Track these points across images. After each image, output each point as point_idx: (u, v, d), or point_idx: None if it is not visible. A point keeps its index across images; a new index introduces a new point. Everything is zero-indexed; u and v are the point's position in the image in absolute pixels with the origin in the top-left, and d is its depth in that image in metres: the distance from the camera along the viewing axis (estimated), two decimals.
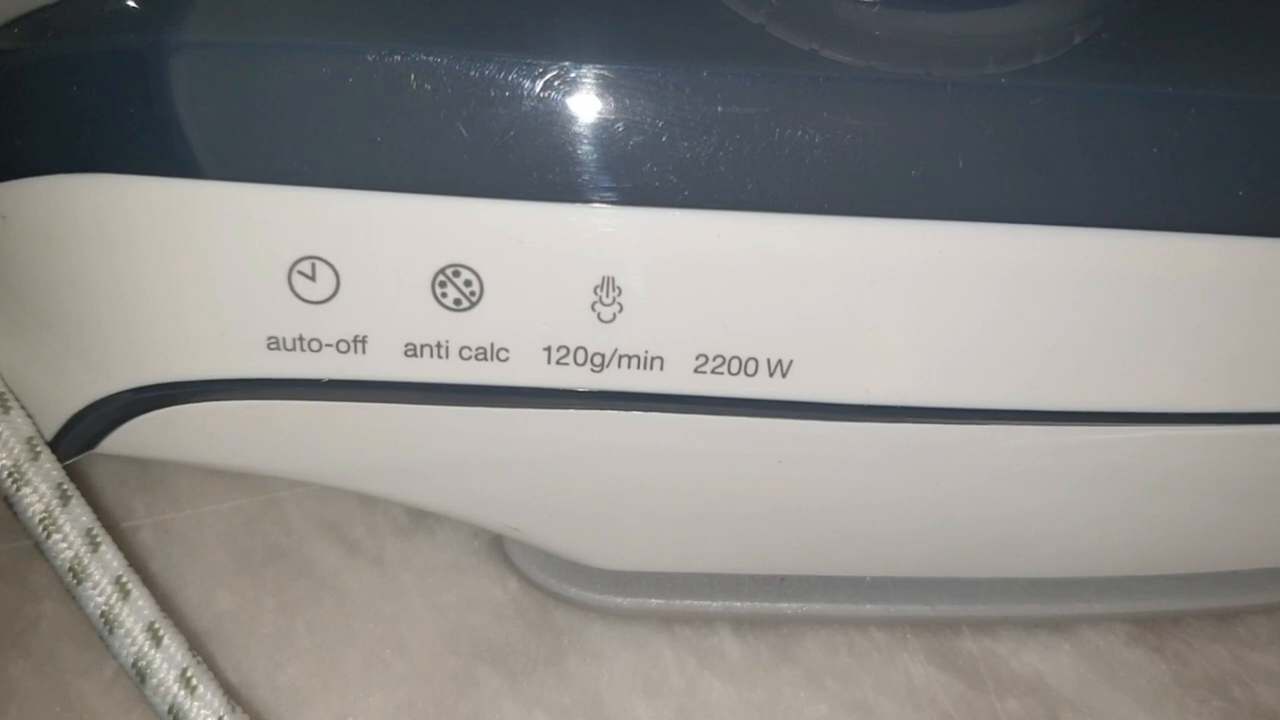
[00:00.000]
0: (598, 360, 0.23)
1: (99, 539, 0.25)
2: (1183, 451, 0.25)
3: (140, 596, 0.24)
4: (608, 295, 0.23)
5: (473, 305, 0.23)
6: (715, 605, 0.28)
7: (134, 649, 0.24)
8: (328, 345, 0.23)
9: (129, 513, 0.31)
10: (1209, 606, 0.28)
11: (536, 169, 0.22)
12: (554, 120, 0.21)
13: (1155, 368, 0.23)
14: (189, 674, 0.24)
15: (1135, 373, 0.24)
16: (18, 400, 0.25)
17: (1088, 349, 0.23)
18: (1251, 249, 0.23)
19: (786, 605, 0.28)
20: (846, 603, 0.28)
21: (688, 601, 0.28)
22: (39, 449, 0.25)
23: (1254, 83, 0.23)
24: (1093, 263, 0.22)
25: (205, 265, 0.23)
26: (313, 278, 0.23)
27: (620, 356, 0.23)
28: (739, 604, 0.28)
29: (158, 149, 0.22)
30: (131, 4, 0.22)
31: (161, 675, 0.24)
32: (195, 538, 0.31)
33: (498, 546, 0.30)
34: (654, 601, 0.28)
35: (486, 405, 0.24)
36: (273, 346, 0.23)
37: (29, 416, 0.25)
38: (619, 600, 0.28)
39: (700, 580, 0.28)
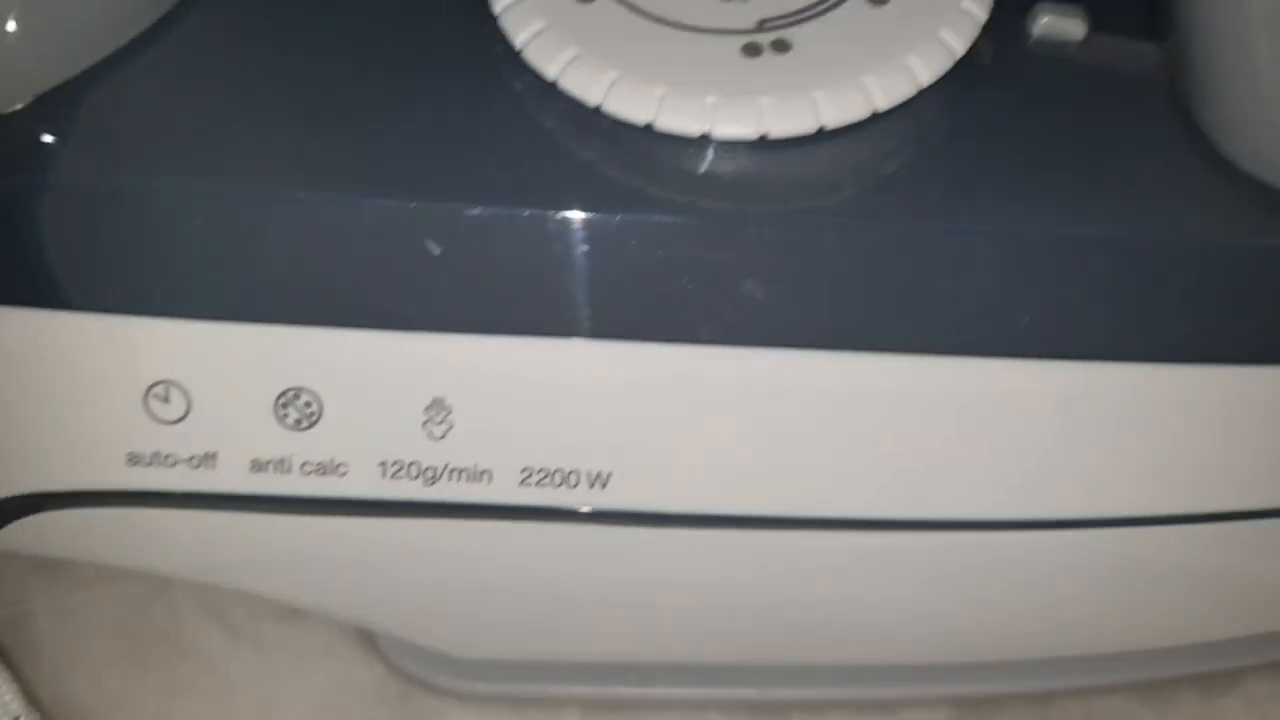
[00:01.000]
0: (430, 474, 0.25)
1: None
2: (980, 553, 0.27)
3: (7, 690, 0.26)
4: (438, 415, 0.25)
5: (312, 425, 0.25)
6: (564, 690, 0.30)
7: None
8: (181, 461, 0.25)
9: (27, 596, 0.33)
10: (1025, 690, 0.30)
11: (369, 300, 0.24)
12: (384, 254, 0.24)
13: (940, 479, 0.26)
14: None
15: (924, 484, 0.26)
16: None
17: (878, 462, 0.25)
18: (1042, 371, 0.25)
19: (630, 690, 0.30)
20: (685, 687, 0.30)
21: (538, 687, 0.30)
22: None
23: (1046, 215, 0.25)
24: (872, 384, 0.25)
25: (69, 387, 0.25)
26: (166, 400, 0.25)
27: (451, 470, 0.25)
28: (586, 689, 0.30)
29: (24, 282, 0.24)
30: None
31: None
32: (90, 621, 0.33)
33: (367, 633, 0.32)
34: (506, 687, 0.30)
35: (328, 515, 0.26)
36: (132, 462, 0.25)
37: None
38: (474, 685, 0.30)
39: (551, 666, 0.30)
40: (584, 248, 0.24)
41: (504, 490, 0.25)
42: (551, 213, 0.23)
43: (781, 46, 0.24)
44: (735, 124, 0.23)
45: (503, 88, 0.24)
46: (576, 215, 0.23)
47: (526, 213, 0.23)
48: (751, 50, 0.24)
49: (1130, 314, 0.25)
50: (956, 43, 0.24)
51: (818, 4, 0.24)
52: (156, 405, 0.25)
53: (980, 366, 0.25)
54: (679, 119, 0.23)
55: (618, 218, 0.23)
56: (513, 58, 0.24)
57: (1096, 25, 0.26)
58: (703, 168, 0.24)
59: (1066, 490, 0.26)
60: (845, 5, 0.24)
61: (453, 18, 0.25)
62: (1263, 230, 0.25)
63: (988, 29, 0.25)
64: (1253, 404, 0.26)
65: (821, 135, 0.24)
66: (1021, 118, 0.25)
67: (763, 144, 0.24)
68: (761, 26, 0.24)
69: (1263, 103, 0.24)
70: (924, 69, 0.24)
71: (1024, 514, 0.27)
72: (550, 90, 0.24)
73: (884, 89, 0.24)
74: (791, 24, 0.24)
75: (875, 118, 0.24)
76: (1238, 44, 0.24)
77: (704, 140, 0.23)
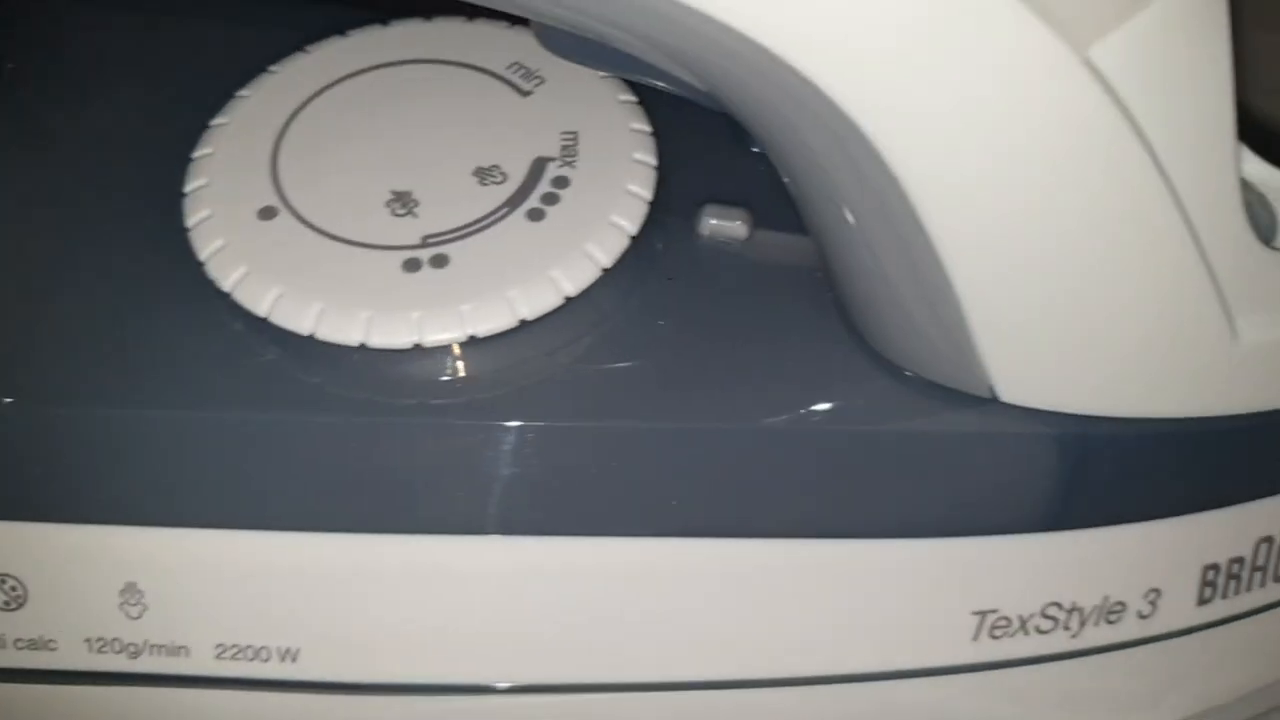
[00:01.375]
0: (132, 649, 0.27)
1: None
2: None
3: None
4: (132, 598, 0.27)
5: (20, 606, 0.27)
6: None
7: None
8: None
9: None
10: None
11: (62, 495, 0.26)
12: (78, 454, 0.26)
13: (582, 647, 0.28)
14: None
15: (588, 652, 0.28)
16: None
17: (535, 633, 0.27)
18: (694, 548, 0.27)
19: None
20: None
21: None
22: None
23: (694, 409, 0.27)
24: (511, 564, 0.27)
25: None
26: None
27: (150, 646, 0.27)
28: None
29: None
30: None
31: None
32: None
33: None
34: None
35: (44, 684, 0.28)
36: None
37: None
38: None
39: None
40: (254, 447, 0.26)
41: (201, 663, 0.27)
42: (216, 414, 0.25)
43: (440, 261, 0.26)
44: (388, 335, 0.25)
45: (192, 299, 0.27)
46: (239, 416, 0.25)
47: (194, 415, 0.26)
48: (411, 265, 0.26)
49: (767, 495, 0.27)
50: (603, 256, 0.26)
51: (479, 220, 0.27)
52: None
53: (636, 546, 0.27)
54: (336, 331, 0.25)
55: (276, 419, 0.25)
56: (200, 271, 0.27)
57: (760, 223, 0.29)
58: (364, 374, 0.26)
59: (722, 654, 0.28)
60: (505, 221, 0.27)
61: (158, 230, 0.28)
62: (903, 416, 0.27)
63: (640, 238, 0.27)
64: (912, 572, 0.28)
65: (475, 341, 0.26)
66: (685, 314, 0.28)
67: (421, 351, 0.26)
68: (425, 242, 0.26)
69: (879, 296, 0.26)
70: (568, 281, 0.26)
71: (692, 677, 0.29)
72: (230, 302, 0.26)
73: (529, 300, 0.26)
74: (452, 240, 0.26)
75: (529, 323, 0.26)
76: (836, 249, 0.26)
77: (363, 349, 0.26)
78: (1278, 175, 0.28)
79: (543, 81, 0.29)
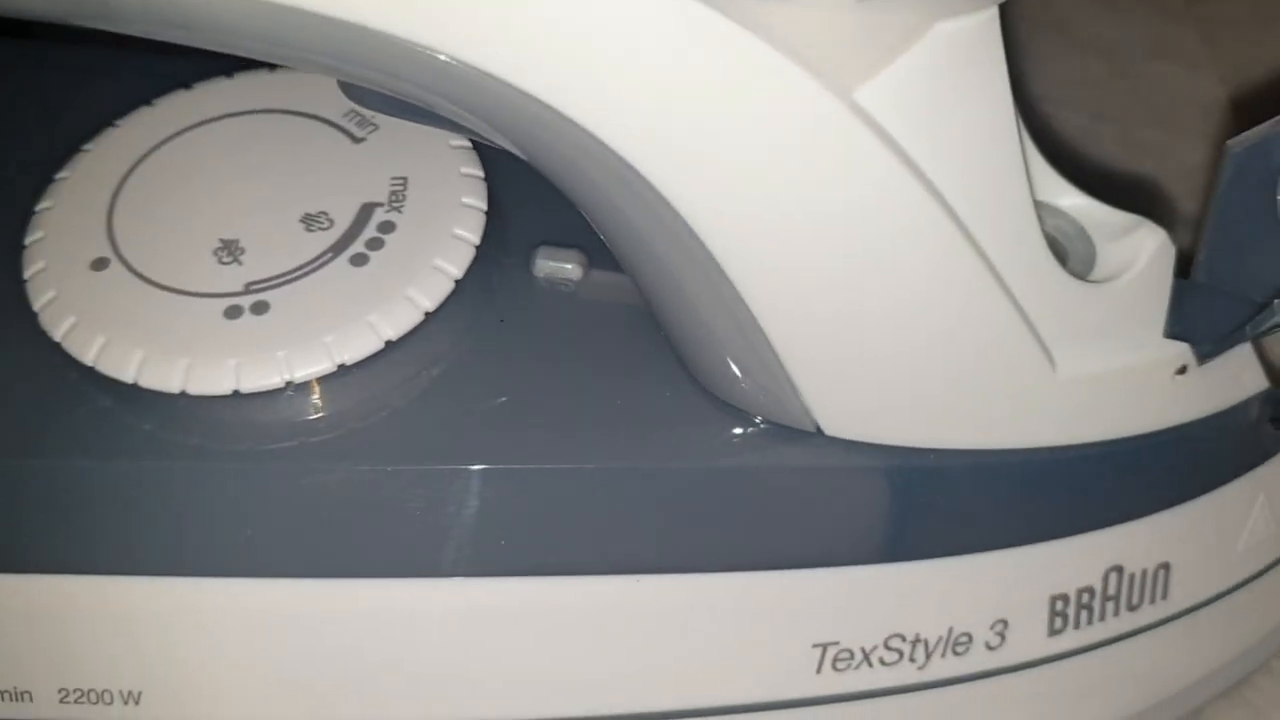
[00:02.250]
0: None
1: None
2: None
3: None
4: None
5: None
6: None
7: None
8: None
9: None
10: None
11: None
12: None
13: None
14: None
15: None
16: None
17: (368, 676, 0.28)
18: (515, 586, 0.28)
19: None
20: None
21: None
22: None
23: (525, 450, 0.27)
24: (346, 607, 0.27)
25: None
26: None
27: None
28: None
29: None
30: None
31: None
32: None
33: None
34: None
35: None
36: None
37: None
38: None
39: None
40: (86, 493, 0.26)
41: (46, 707, 0.28)
42: (48, 461, 0.26)
43: (261, 308, 0.27)
44: (207, 383, 0.26)
45: (26, 349, 0.27)
46: (69, 464, 0.26)
47: (26, 463, 0.26)
48: (233, 312, 0.27)
49: (603, 532, 0.27)
50: (425, 300, 0.27)
51: (302, 266, 0.27)
52: None
53: (471, 587, 0.27)
54: (158, 379, 0.26)
55: (103, 465, 0.26)
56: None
57: (595, 263, 0.29)
58: (188, 420, 0.26)
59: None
60: (328, 267, 0.27)
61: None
62: (732, 452, 0.28)
63: (467, 281, 0.28)
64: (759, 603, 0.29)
65: (294, 386, 0.26)
66: (518, 355, 0.28)
67: (240, 397, 0.26)
68: (247, 289, 0.27)
69: (699, 338, 0.27)
70: (388, 326, 0.27)
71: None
72: (61, 351, 0.27)
73: (347, 345, 0.26)
74: (274, 286, 0.27)
75: (349, 367, 0.27)
76: (653, 293, 0.27)
77: (185, 396, 0.26)
78: (1099, 207, 0.28)
79: (376, 129, 0.30)
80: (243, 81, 0.31)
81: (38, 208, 0.29)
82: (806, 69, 0.22)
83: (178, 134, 0.29)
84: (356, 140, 0.29)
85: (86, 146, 0.29)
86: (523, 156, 0.26)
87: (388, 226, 0.28)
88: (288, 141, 0.29)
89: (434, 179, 0.29)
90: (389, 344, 0.27)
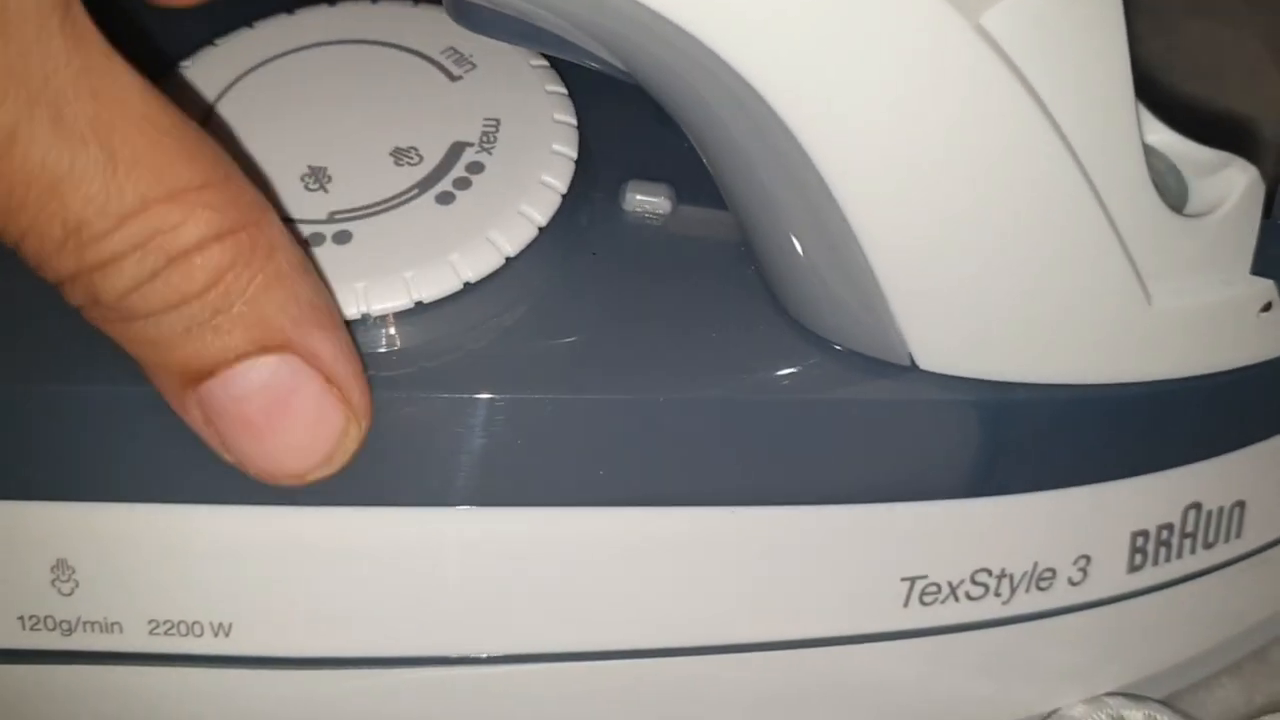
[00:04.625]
0: (65, 626, 0.28)
1: None
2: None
3: None
4: (63, 574, 0.27)
5: None
6: None
7: None
8: None
9: None
10: None
11: None
12: (3, 431, 0.26)
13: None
14: None
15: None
16: None
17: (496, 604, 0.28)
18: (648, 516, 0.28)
19: None
20: None
21: None
22: None
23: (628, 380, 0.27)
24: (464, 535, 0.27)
25: None
26: None
27: (83, 623, 0.28)
28: None
29: None
30: None
31: None
32: None
33: None
34: None
35: None
36: None
37: None
38: None
39: None
40: (179, 422, 0.26)
41: (135, 640, 0.28)
42: (143, 389, 0.26)
43: (343, 238, 0.26)
44: None
45: None
46: (144, 392, 0.26)
47: (121, 390, 0.26)
48: (316, 240, 0.26)
49: (695, 465, 0.27)
50: (507, 244, 0.27)
51: (388, 200, 0.27)
52: None
53: (566, 516, 0.27)
54: None
55: None
56: None
57: (685, 198, 0.29)
58: None
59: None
60: (413, 203, 0.27)
61: None
62: (824, 385, 0.28)
63: (551, 227, 0.27)
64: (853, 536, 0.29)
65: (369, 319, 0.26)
66: (609, 290, 0.28)
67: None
68: (331, 218, 0.27)
69: (797, 268, 0.27)
70: (468, 267, 0.26)
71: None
72: None
73: (426, 282, 0.26)
74: (358, 217, 0.27)
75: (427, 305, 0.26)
76: (754, 223, 0.27)
77: None
78: (1188, 144, 0.28)
79: (474, 68, 0.29)
80: (345, 10, 0.30)
81: None
82: None
83: (275, 58, 0.29)
84: (453, 78, 0.29)
85: (185, 64, 0.29)
86: (624, 70, 0.26)
87: (476, 167, 0.28)
88: (385, 74, 0.29)
89: (526, 123, 0.28)
90: (468, 285, 0.26)
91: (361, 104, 0.28)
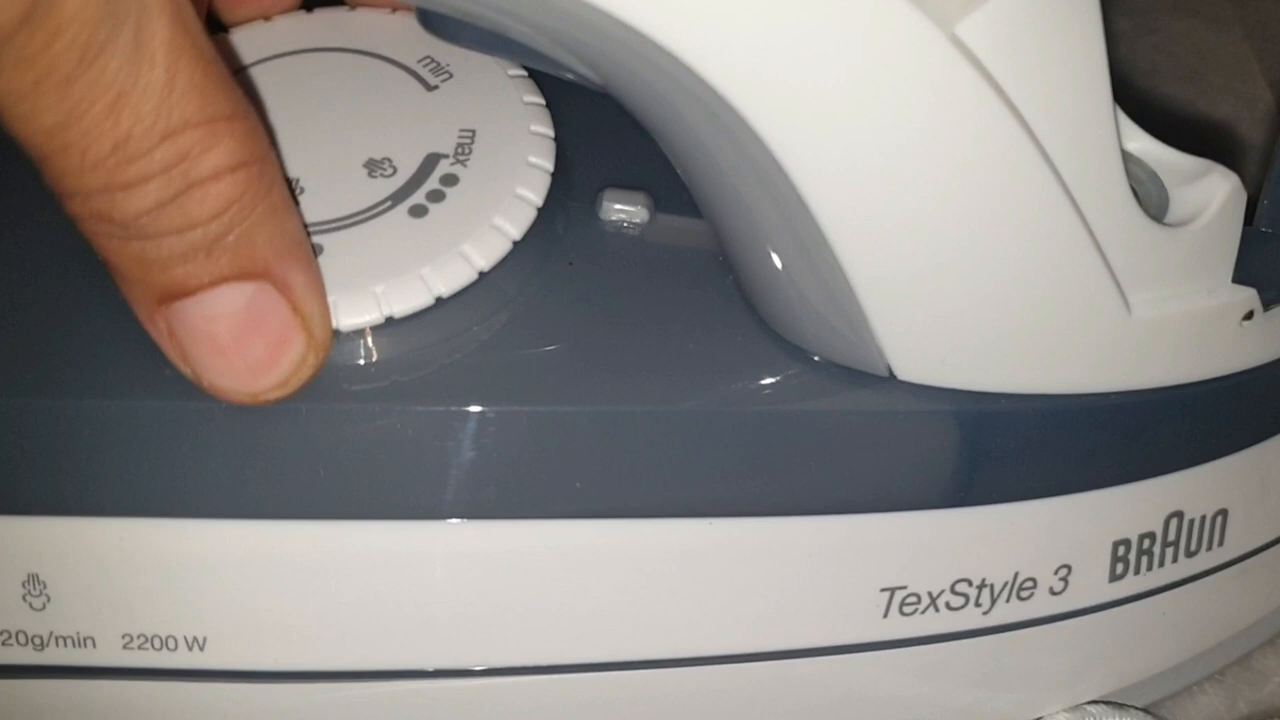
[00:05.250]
0: (38, 641, 0.27)
1: None
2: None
3: None
4: (35, 589, 0.27)
5: None
6: None
7: None
8: None
9: None
10: None
11: None
12: None
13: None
14: None
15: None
16: None
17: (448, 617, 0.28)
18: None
19: None
20: None
21: None
22: None
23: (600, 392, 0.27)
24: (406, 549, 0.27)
25: None
26: None
27: (56, 637, 0.27)
28: None
29: None
30: None
31: None
32: None
33: None
34: None
35: None
36: None
37: None
38: None
39: None
40: (150, 435, 0.26)
41: (109, 654, 0.27)
42: (115, 403, 0.26)
43: (315, 251, 0.26)
44: None
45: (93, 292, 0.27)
46: (134, 405, 0.26)
47: (94, 404, 0.26)
48: None
49: (675, 476, 0.27)
50: (480, 258, 0.26)
51: (361, 212, 0.27)
52: None
53: (543, 529, 0.27)
54: None
55: (168, 406, 0.26)
56: None
57: (663, 207, 0.29)
58: None
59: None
60: (386, 216, 0.27)
61: None
62: (802, 396, 0.28)
63: (526, 241, 0.27)
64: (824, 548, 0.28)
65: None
66: (586, 299, 0.28)
67: None
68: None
69: (775, 279, 0.27)
70: (440, 281, 0.26)
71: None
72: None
73: (397, 297, 0.26)
74: (329, 230, 0.26)
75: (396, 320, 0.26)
76: (730, 234, 0.27)
77: None
78: (1169, 151, 0.28)
79: (450, 77, 0.29)
80: (321, 18, 0.30)
81: None
82: (909, 0, 0.22)
83: (250, 65, 0.29)
84: (429, 88, 0.29)
85: None
86: (598, 82, 0.25)
87: (450, 180, 0.27)
88: (359, 83, 0.29)
89: (502, 134, 0.28)
90: (439, 300, 0.26)
91: (336, 114, 0.28)
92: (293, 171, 0.27)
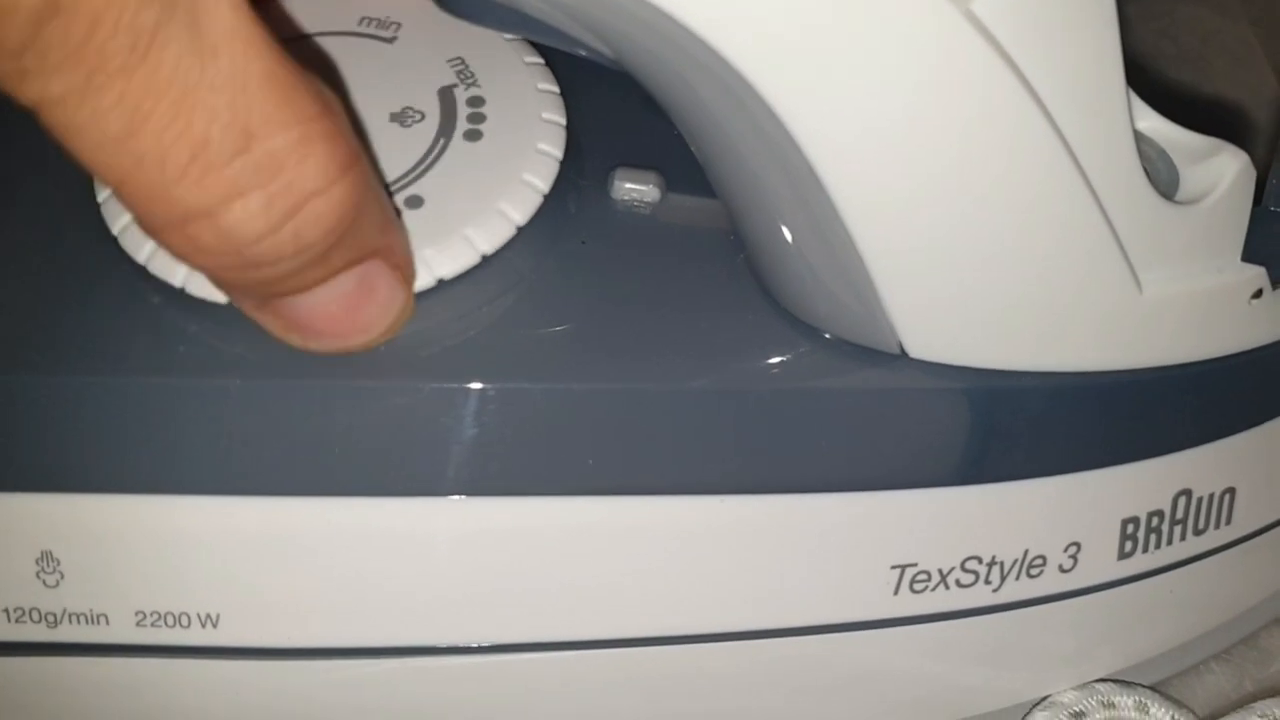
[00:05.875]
0: (51, 618, 0.27)
1: None
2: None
3: None
4: (49, 566, 0.27)
5: None
6: None
7: None
8: None
9: None
10: None
11: None
12: None
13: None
14: None
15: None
16: None
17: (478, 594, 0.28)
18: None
19: None
20: None
21: None
22: None
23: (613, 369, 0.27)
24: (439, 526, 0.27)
25: None
26: None
27: (70, 614, 0.27)
28: None
29: None
30: None
31: None
32: None
33: None
34: None
35: None
36: None
37: None
38: None
39: None
40: (166, 412, 0.26)
41: (121, 631, 0.28)
42: (130, 380, 0.26)
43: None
44: None
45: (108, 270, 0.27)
46: (153, 382, 0.26)
47: (108, 380, 0.26)
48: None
49: (688, 454, 0.27)
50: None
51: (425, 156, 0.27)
52: None
53: (556, 505, 0.27)
54: None
55: (188, 384, 0.26)
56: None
57: (674, 186, 0.29)
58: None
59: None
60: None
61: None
62: (814, 373, 0.28)
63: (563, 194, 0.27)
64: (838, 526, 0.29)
65: None
66: (600, 278, 0.28)
67: None
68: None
69: (787, 256, 0.27)
70: (483, 240, 0.26)
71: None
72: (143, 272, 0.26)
73: (446, 259, 0.26)
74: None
75: (447, 282, 0.26)
76: (743, 212, 0.27)
77: None
78: (1179, 131, 0.28)
79: (400, 25, 0.29)
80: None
81: None
82: None
83: None
84: (389, 41, 0.29)
85: None
86: (611, 58, 0.25)
87: (477, 100, 0.28)
88: (332, 59, 0.29)
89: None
90: (441, 281, 0.26)
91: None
92: None
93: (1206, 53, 0.49)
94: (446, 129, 0.27)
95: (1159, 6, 0.51)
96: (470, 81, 0.28)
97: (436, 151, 0.27)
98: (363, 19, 0.30)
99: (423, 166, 0.27)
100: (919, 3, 0.22)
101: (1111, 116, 0.25)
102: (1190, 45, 0.50)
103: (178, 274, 0.26)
